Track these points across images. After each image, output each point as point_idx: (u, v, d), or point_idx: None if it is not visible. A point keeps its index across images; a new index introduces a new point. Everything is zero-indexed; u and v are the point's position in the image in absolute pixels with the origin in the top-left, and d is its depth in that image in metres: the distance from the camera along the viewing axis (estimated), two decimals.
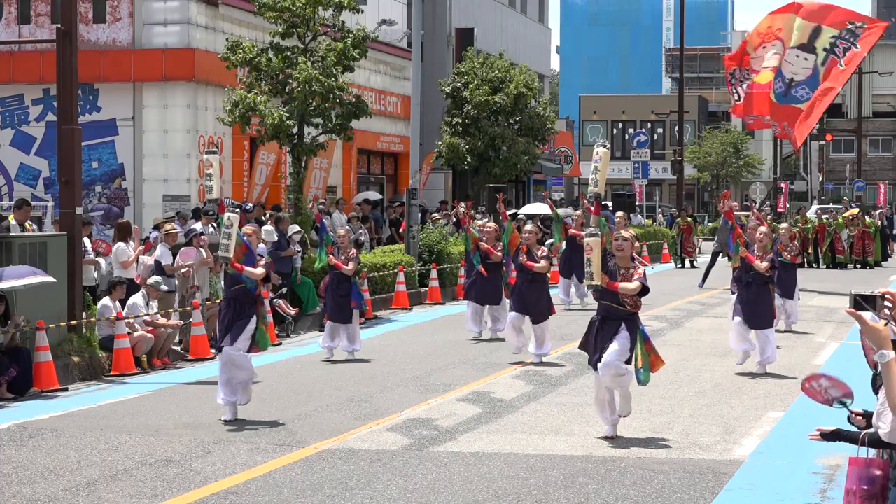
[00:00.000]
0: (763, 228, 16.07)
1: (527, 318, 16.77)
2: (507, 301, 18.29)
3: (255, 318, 12.57)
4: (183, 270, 18.14)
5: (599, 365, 11.33)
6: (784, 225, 20.96)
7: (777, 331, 19.43)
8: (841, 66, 26.38)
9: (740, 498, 9.28)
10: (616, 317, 11.40)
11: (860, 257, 38.29)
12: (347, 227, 18.95)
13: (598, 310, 11.66)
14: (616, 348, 11.29)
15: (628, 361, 11.37)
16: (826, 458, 10.28)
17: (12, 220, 17.76)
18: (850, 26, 26.52)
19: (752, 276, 15.66)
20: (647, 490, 9.37)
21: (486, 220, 24.63)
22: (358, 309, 17.53)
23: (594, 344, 11.49)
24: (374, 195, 34.94)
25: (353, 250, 17.54)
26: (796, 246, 20.38)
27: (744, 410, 12.98)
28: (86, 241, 18.17)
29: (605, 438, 11.35)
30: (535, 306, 16.73)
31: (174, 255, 18.33)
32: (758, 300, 15.67)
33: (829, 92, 26.63)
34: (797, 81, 26.72)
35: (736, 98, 27.83)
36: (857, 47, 26.36)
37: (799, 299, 20.72)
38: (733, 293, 16.14)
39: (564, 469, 10.09)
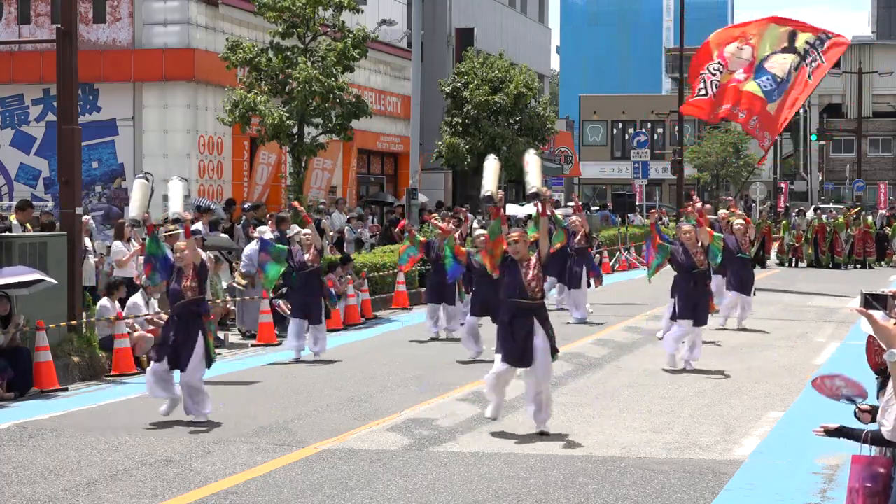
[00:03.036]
0: (686, 227, 16.26)
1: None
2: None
3: (201, 336, 12.36)
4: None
5: (536, 367, 11.49)
6: (738, 221, 21.05)
7: (726, 328, 19.86)
8: (809, 78, 26.42)
9: (740, 498, 9.27)
10: (528, 310, 11.50)
11: (860, 257, 38.25)
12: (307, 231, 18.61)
13: (502, 310, 11.69)
14: (542, 347, 11.50)
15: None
16: (826, 458, 10.28)
17: (14, 221, 17.75)
18: (820, 36, 26.65)
19: (695, 274, 15.85)
20: (647, 490, 9.36)
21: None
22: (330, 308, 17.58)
23: (513, 343, 11.47)
24: (422, 198, 35.67)
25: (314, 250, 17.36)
26: (748, 239, 21.03)
27: (744, 410, 12.97)
28: (86, 240, 18.15)
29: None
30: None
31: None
32: (702, 298, 15.90)
33: (795, 103, 26.61)
34: (780, 80, 26.69)
35: (703, 93, 27.19)
36: (823, 61, 26.44)
37: (754, 294, 20.93)
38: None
39: (564, 469, 10.08)
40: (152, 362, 12.57)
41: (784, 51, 26.74)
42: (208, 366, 12.51)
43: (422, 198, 36.85)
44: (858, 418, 5.83)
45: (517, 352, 11.45)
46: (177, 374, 12.47)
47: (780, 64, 26.69)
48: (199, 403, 12.29)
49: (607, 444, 11.11)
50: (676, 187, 47.77)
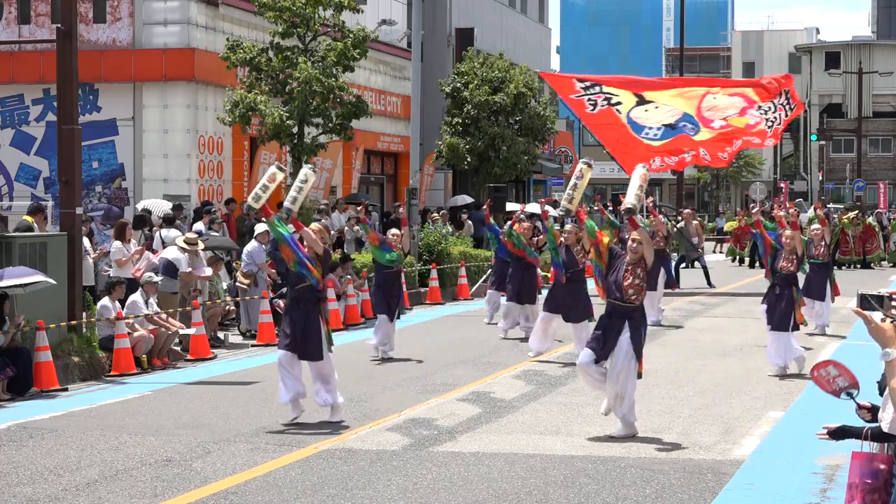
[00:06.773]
0: (788, 232, 15.98)
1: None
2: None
3: (320, 321, 12.16)
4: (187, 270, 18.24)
5: (615, 366, 11.44)
6: (816, 225, 20.86)
7: (810, 333, 19.39)
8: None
9: (740, 498, 9.27)
10: (622, 312, 11.47)
11: (860, 257, 38.49)
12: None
13: (605, 308, 11.73)
14: (624, 349, 11.41)
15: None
16: (826, 457, 10.28)
17: (33, 223, 17.67)
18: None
19: (779, 278, 15.71)
20: (647, 490, 9.36)
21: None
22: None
23: (603, 343, 11.52)
24: (465, 199, 35.71)
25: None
26: (826, 245, 20.55)
27: (744, 410, 12.97)
28: (85, 240, 18.14)
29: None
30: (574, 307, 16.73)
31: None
32: (782, 303, 15.69)
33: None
34: (676, 121, 26.97)
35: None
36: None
37: (833, 301, 20.61)
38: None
39: (564, 469, 10.08)
40: (280, 359, 12.17)
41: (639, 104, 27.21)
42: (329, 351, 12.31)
43: (461, 199, 36.91)
44: (858, 415, 5.83)
45: (600, 345, 11.52)
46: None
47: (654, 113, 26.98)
48: (333, 391, 12.19)
49: (607, 444, 11.11)
50: (676, 187, 47.80)
